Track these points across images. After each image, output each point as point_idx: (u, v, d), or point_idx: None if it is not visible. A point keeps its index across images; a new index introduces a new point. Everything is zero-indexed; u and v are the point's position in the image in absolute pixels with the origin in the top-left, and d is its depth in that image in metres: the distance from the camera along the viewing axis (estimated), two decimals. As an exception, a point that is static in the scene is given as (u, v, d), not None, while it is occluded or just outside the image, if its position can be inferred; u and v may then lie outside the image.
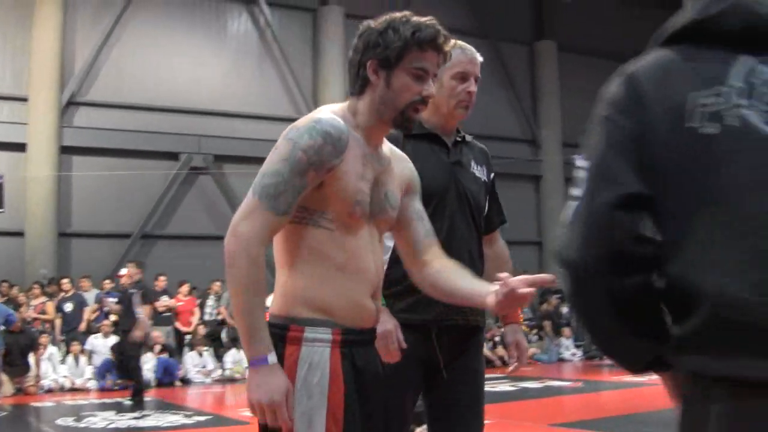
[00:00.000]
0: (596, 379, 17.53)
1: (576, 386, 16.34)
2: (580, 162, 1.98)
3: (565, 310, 23.83)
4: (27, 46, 21.31)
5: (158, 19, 23.24)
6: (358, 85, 2.97)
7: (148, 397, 14.99)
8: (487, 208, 4.19)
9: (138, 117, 22.67)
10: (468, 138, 4.20)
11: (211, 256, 22.65)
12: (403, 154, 3.28)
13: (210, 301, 20.03)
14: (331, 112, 2.93)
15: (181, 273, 20.31)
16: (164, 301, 18.88)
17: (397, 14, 2.95)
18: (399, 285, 3.67)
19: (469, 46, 4.02)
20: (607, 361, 21.34)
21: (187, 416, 12.29)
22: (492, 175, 4.25)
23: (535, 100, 29.53)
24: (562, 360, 21.68)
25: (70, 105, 22.00)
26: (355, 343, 2.89)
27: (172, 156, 23.02)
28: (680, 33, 1.98)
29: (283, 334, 2.82)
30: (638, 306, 1.87)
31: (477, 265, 3.95)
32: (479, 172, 4.15)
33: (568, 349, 22.23)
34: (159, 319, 18.69)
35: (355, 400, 2.82)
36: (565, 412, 12.85)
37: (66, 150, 21.58)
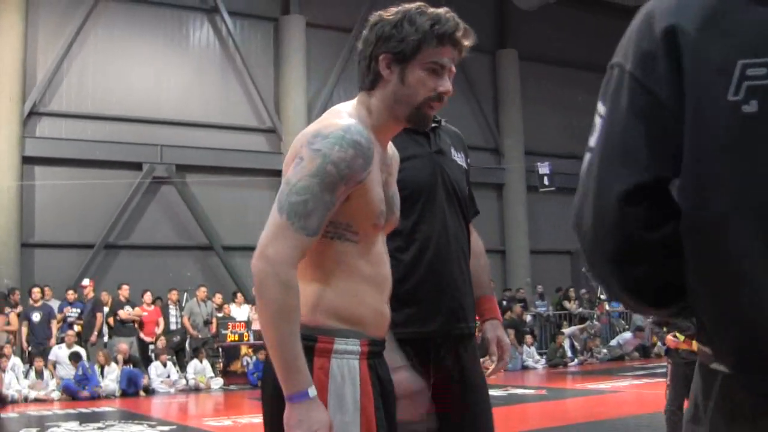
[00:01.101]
0: (560, 386, 17.66)
1: (540, 394, 16.42)
2: (600, 108, 1.69)
3: (528, 318, 23.97)
4: (-12, 56, 21.17)
5: (120, 29, 23.13)
6: (369, 80, 2.77)
7: (113, 407, 14.93)
8: None
9: (100, 127, 22.59)
10: (443, 122, 3.80)
11: (174, 266, 22.64)
12: (395, 149, 3.03)
13: (173, 311, 19.95)
14: (347, 114, 2.71)
15: (145, 283, 20.27)
16: (128, 311, 18.82)
17: (412, 5, 2.75)
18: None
19: None
20: (571, 369, 21.57)
21: (150, 426, 12.27)
22: (468, 160, 3.86)
23: (497, 109, 29.58)
24: (525, 368, 21.78)
25: (33, 115, 21.86)
26: (377, 354, 2.78)
27: (135, 166, 22.87)
28: None
29: (311, 345, 2.62)
30: (654, 287, 1.65)
31: (468, 262, 3.68)
32: (459, 159, 3.77)
33: (532, 356, 22.34)
34: (123, 329, 18.65)
35: (382, 412, 2.71)
36: (529, 419, 12.91)
37: (28, 160, 21.45)
